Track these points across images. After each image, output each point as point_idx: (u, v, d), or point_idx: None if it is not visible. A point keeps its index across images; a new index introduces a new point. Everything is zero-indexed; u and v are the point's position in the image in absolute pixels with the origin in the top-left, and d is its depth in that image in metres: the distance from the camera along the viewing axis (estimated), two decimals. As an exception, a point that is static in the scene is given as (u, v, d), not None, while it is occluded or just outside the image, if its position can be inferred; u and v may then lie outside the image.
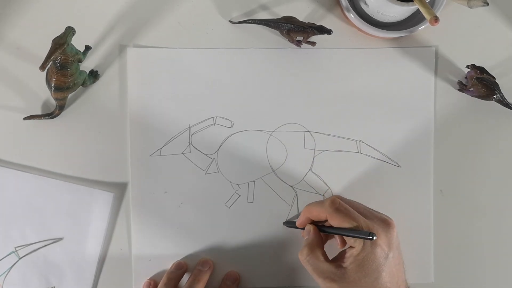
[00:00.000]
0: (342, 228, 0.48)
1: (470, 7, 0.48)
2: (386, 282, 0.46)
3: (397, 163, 0.56)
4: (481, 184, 0.57)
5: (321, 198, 0.56)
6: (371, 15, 0.54)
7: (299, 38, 0.54)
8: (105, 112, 0.55)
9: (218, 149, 0.55)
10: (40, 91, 0.55)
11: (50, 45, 0.48)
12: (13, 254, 0.54)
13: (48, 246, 0.54)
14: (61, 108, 0.54)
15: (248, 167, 0.55)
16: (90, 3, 0.55)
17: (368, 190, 0.55)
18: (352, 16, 0.53)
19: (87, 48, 0.54)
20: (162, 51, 0.55)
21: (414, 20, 0.55)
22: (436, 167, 0.56)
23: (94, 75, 0.54)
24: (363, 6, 0.54)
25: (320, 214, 0.50)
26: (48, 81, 0.51)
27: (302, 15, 0.55)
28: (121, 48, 0.55)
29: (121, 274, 0.55)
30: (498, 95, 0.54)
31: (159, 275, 0.55)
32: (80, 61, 0.52)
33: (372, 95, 0.56)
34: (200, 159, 0.55)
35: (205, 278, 0.53)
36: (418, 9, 0.48)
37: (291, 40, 0.54)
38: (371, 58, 0.56)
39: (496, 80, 0.54)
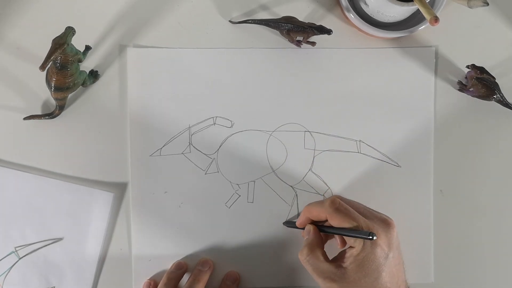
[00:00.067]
0: (342, 228, 0.48)
1: (470, 7, 0.48)
2: (386, 282, 0.46)
3: (397, 163, 0.56)
4: (481, 184, 0.57)
5: (321, 198, 0.56)
6: (371, 15, 0.54)
7: (299, 38, 0.54)
8: (105, 112, 0.55)
9: (218, 149, 0.55)
10: (40, 91, 0.55)
11: (50, 45, 0.48)
12: (13, 254, 0.54)
13: (48, 246, 0.54)
14: (61, 108, 0.54)
15: (248, 167, 0.55)
16: (90, 3, 0.55)
17: (368, 190, 0.55)
18: (352, 16, 0.53)
19: (87, 48, 0.54)
20: (162, 51, 0.55)
21: (414, 20, 0.55)
22: (436, 167, 0.56)
23: (94, 75, 0.54)
24: (363, 6, 0.54)
25: (320, 214, 0.50)
26: (48, 81, 0.51)
27: (302, 15, 0.55)
28: (121, 48, 0.55)
29: (121, 274, 0.55)
30: (498, 95, 0.54)
31: (159, 275, 0.55)
32: (80, 61, 0.52)
33: (372, 95, 0.56)
34: (200, 159, 0.55)
35: (205, 278, 0.53)
36: (418, 9, 0.48)
37: (291, 40, 0.54)
38: (371, 58, 0.56)
39: (496, 80, 0.54)
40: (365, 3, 0.53)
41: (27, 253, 0.54)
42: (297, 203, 0.56)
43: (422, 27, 0.53)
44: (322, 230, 0.50)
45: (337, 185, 0.56)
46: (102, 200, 0.55)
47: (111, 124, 0.55)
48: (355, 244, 0.47)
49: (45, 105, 0.55)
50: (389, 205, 0.54)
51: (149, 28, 0.55)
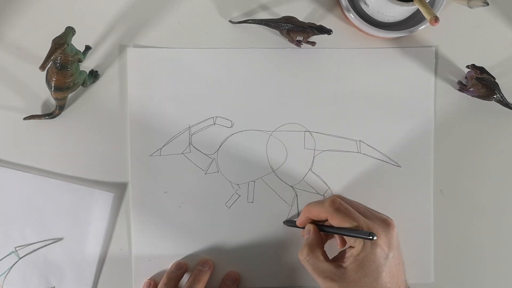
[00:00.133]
0: (342, 228, 0.48)
1: (470, 7, 0.48)
2: (386, 282, 0.46)
3: (397, 163, 0.56)
4: (481, 184, 0.57)
5: (321, 198, 0.56)
6: (371, 15, 0.54)
7: (299, 38, 0.54)
8: (105, 112, 0.55)
9: (218, 149, 0.55)
10: (40, 91, 0.55)
11: (50, 45, 0.48)
12: (13, 254, 0.54)
13: (48, 246, 0.54)
14: (61, 108, 0.54)
15: (248, 167, 0.55)
16: (90, 3, 0.55)
17: (368, 190, 0.55)
18: (352, 16, 0.53)
19: (87, 48, 0.54)
20: (162, 51, 0.55)
21: (414, 20, 0.55)
22: (436, 167, 0.56)
23: (94, 75, 0.54)
24: (363, 6, 0.54)
25: (320, 213, 0.50)
26: (48, 81, 0.51)
27: (302, 15, 0.55)
28: (121, 48, 0.55)
29: (121, 274, 0.55)
30: (498, 95, 0.54)
31: (159, 275, 0.55)
32: (80, 61, 0.52)
33: (372, 95, 0.56)
34: (200, 159, 0.55)
35: (205, 278, 0.53)
36: (418, 9, 0.48)
37: (291, 40, 0.54)
38: (371, 58, 0.56)
39: (496, 80, 0.54)
40: (365, 3, 0.53)
41: (27, 253, 0.54)
42: (297, 203, 0.56)
43: (422, 27, 0.53)
44: (322, 230, 0.50)
45: (337, 185, 0.56)
46: (102, 200, 0.55)
47: (111, 124, 0.55)
48: (355, 244, 0.47)
49: (45, 105, 0.55)
50: (389, 205, 0.54)
51: (149, 28, 0.55)
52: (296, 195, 0.56)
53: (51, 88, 0.51)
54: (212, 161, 0.55)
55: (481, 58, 0.55)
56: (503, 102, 0.55)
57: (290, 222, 0.55)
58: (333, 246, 0.51)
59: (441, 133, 0.56)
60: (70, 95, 0.53)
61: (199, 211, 0.55)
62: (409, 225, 0.55)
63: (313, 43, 0.55)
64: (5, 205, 0.54)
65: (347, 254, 0.48)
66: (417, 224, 0.56)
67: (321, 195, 0.56)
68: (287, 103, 0.56)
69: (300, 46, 0.55)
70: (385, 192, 0.56)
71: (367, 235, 0.45)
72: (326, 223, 0.51)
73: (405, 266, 0.50)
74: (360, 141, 0.56)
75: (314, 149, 0.56)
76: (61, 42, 0.48)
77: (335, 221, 0.48)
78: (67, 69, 0.50)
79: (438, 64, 0.56)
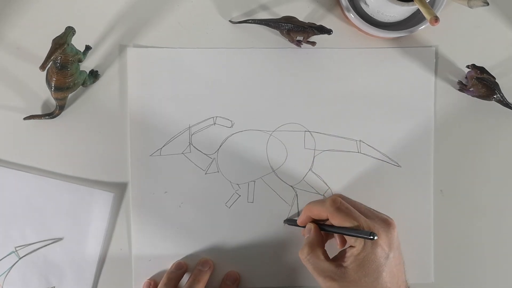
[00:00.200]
0: (343, 227, 0.48)
1: (470, 7, 0.48)
2: (387, 282, 0.46)
3: (397, 163, 0.56)
4: (481, 184, 0.57)
5: (321, 198, 0.56)
6: (371, 15, 0.54)
7: (299, 38, 0.54)
8: (105, 112, 0.55)
9: (218, 149, 0.55)
10: (40, 91, 0.55)
11: (50, 45, 0.48)
12: (13, 254, 0.54)
13: (48, 246, 0.54)
14: (61, 108, 0.54)
15: (248, 167, 0.55)
16: (90, 3, 0.55)
17: (368, 190, 0.55)
18: (352, 16, 0.53)
19: (87, 48, 0.54)
20: (162, 51, 0.55)
21: (414, 20, 0.55)
22: (436, 167, 0.56)
23: (94, 75, 0.54)
24: (363, 6, 0.54)
25: (321, 213, 0.50)
26: (48, 81, 0.51)
27: (302, 15, 0.55)
28: (121, 48, 0.55)
29: (121, 274, 0.55)
30: (498, 95, 0.54)
31: (159, 275, 0.55)
32: (80, 61, 0.52)
33: (372, 95, 0.56)
34: (200, 159, 0.55)
35: (205, 278, 0.53)
36: (418, 9, 0.48)
37: (291, 40, 0.54)
38: (371, 58, 0.56)
39: (496, 80, 0.54)
40: (365, 3, 0.53)
41: (27, 253, 0.54)
42: (297, 203, 0.56)
43: (422, 27, 0.53)
44: (323, 229, 0.50)
45: (337, 185, 0.56)
46: (102, 200, 0.55)
47: (111, 124, 0.55)
48: (356, 244, 0.47)
49: (45, 105, 0.55)
50: (389, 205, 0.54)
51: (149, 28, 0.55)
52: (296, 195, 0.56)
53: (51, 88, 0.51)
54: (212, 161, 0.55)
55: (481, 58, 0.55)
56: (503, 102, 0.55)
57: (290, 221, 0.55)
58: (333, 246, 0.51)
59: (441, 133, 0.56)
60: (70, 95, 0.53)
61: (199, 211, 0.55)
62: (409, 225, 0.55)
63: (313, 43, 0.55)
64: (5, 205, 0.54)
65: (348, 254, 0.48)
66: (417, 224, 0.56)
67: (321, 195, 0.56)
68: (287, 103, 0.56)
69: (300, 46, 0.55)
70: (385, 192, 0.56)
71: (367, 234, 0.45)
72: (327, 223, 0.50)
73: (405, 266, 0.49)
74: (360, 141, 0.56)
75: (314, 149, 0.56)
76: (61, 42, 0.48)
77: (336, 220, 0.48)
78: (67, 69, 0.50)
79: (438, 64, 0.56)
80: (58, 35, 0.48)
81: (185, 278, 0.54)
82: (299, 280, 0.56)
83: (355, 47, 0.56)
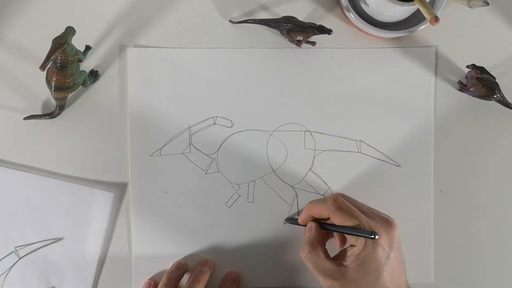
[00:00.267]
0: (344, 226, 0.48)
1: (470, 7, 0.48)
2: (387, 282, 0.46)
3: (397, 163, 0.56)
4: (481, 184, 0.57)
5: (322, 197, 0.56)
6: (371, 15, 0.54)
7: (299, 38, 0.54)
8: (105, 112, 0.55)
9: (218, 149, 0.55)
10: (40, 91, 0.55)
11: (50, 45, 0.48)
12: (13, 254, 0.54)
13: (48, 246, 0.54)
14: (61, 108, 0.54)
15: (248, 167, 0.55)
16: (90, 3, 0.55)
17: (368, 190, 0.55)
18: (352, 16, 0.53)
19: (87, 48, 0.54)
20: (162, 51, 0.55)
21: (414, 20, 0.55)
22: (436, 167, 0.56)
23: (94, 75, 0.54)
24: (363, 6, 0.54)
25: (322, 212, 0.50)
26: (48, 81, 0.51)
27: (302, 15, 0.55)
28: (121, 48, 0.55)
29: (121, 274, 0.55)
30: (498, 95, 0.54)
31: (159, 275, 0.55)
32: (80, 61, 0.52)
33: (372, 95, 0.56)
34: (200, 159, 0.55)
35: (205, 278, 0.53)
36: (418, 9, 0.48)
37: (291, 40, 0.54)
38: (371, 58, 0.56)
39: (496, 80, 0.54)
40: (365, 3, 0.53)
41: (27, 253, 0.54)
42: (297, 203, 0.56)
43: (422, 27, 0.53)
44: (324, 228, 0.50)
45: (337, 185, 0.56)
46: (102, 200, 0.55)
47: (111, 124, 0.55)
48: (357, 243, 0.47)
49: (45, 105, 0.55)
50: (389, 205, 0.54)
51: (149, 28, 0.55)
52: (296, 195, 0.56)
53: (51, 88, 0.51)
54: (212, 161, 0.55)
55: (481, 58, 0.55)
56: (503, 102, 0.55)
57: (291, 220, 0.55)
58: (333, 245, 0.51)
59: (441, 133, 0.56)
60: (70, 95, 0.53)
61: (199, 211, 0.55)
62: (409, 225, 0.55)
63: (313, 43, 0.55)
64: (5, 205, 0.54)
65: (348, 253, 0.48)
66: (417, 224, 0.56)
67: (321, 195, 0.56)
68: (287, 103, 0.56)
69: (300, 46, 0.55)
70: (385, 192, 0.56)
71: (369, 234, 0.45)
72: (328, 222, 0.50)
73: (405, 266, 0.49)
74: (360, 141, 0.56)
75: (314, 149, 0.56)
76: (61, 42, 0.48)
77: (337, 219, 0.48)
78: (67, 69, 0.50)
79: (438, 64, 0.56)
80: (58, 35, 0.48)
81: (185, 278, 0.54)
82: (299, 280, 0.56)
83: (355, 47, 0.56)
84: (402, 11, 0.52)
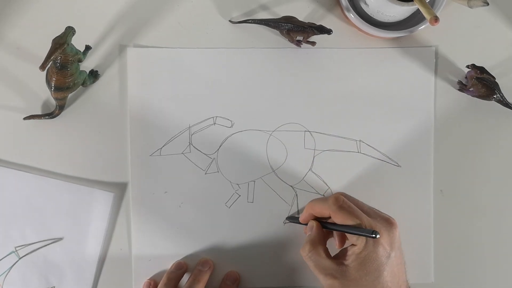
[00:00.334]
0: (345, 225, 0.48)
1: (470, 7, 0.48)
2: (387, 282, 0.46)
3: (397, 163, 0.56)
4: (481, 184, 0.57)
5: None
6: (371, 15, 0.54)
7: (299, 38, 0.54)
8: (105, 112, 0.55)
9: (218, 149, 0.55)
10: (40, 91, 0.55)
11: (50, 45, 0.48)
12: (13, 254, 0.54)
13: (48, 246, 0.54)
14: (61, 108, 0.54)
15: (248, 167, 0.55)
16: (90, 3, 0.55)
17: (368, 190, 0.55)
18: (352, 16, 0.53)
19: (87, 48, 0.54)
20: (162, 51, 0.55)
21: (414, 20, 0.55)
22: (436, 167, 0.56)
23: (94, 75, 0.54)
24: (363, 6, 0.54)
25: (323, 210, 0.50)
26: (48, 81, 0.51)
27: (302, 15, 0.55)
28: (121, 48, 0.55)
29: (121, 274, 0.55)
30: (498, 95, 0.54)
31: (159, 275, 0.55)
32: (80, 61, 0.52)
33: (372, 95, 0.56)
34: (200, 159, 0.55)
35: (205, 278, 0.53)
36: (418, 9, 0.48)
37: (291, 40, 0.54)
38: (371, 58, 0.56)
39: (496, 80, 0.54)
40: (365, 3, 0.53)
41: (27, 253, 0.54)
42: (297, 203, 0.56)
43: (422, 27, 0.53)
44: (325, 227, 0.50)
45: (337, 185, 0.56)
46: (102, 200, 0.55)
47: (111, 124, 0.55)
48: (358, 242, 0.47)
49: (45, 105, 0.55)
50: (389, 205, 0.54)
51: (149, 28, 0.55)
52: (296, 195, 0.56)
53: (51, 88, 0.51)
54: (212, 161, 0.55)
55: (481, 58, 0.55)
56: (503, 102, 0.55)
57: (292, 219, 0.55)
58: (334, 245, 0.51)
59: (441, 133, 0.56)
60: (70, 95, 0.53)
61: (199, 211, 0.55)
62: (409, 225, 0.55)
63: (313, 43, 0.55)
64: (5, 205, 0.54)
65: (349, 252, 0.48)
66: (417, 224, 0.56)
67: (321, 195, 0.56)
68: (287, 103, 0.56)
69: (300, 46, 0.55)
70: (385, 192, 0.56)
71: (370, 233, 0.45)
72: (329, 221, 0.50)
73: (406, 266, 0.49)
74: (360, 141, 0.56)
75: (314, 149, 0.56)
76: (61, 42, 0.48)
77: (338, 218, 0.48)
78: (67, 69, 0.50)
79: (438, 64, 0.56)
80: (58, 35, 0.48)
81: (185, 278, 0.54)
82: (299, 280, 0.56)
83: (355, 47, 0.56)
84: (402, 11, 0.52)
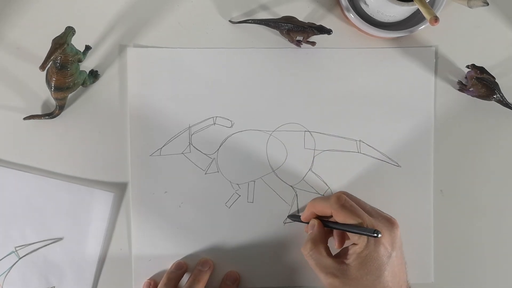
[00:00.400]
0: (346, 224, 0.48)
1: (470, 7, 0.48)
2: (388, 281, 0.46)
3: (397, 163, 0.56)
4: (481, 184, 0.57)
5: (322, 197, 0.56)
6: (371, 15, 0.54)
7: (299, 38, 0.54)
8: (105, 112, 0.55)
9: (218, 149, 0.55)
10: (40, 91, 0.55)
11: (50, 45, 0.48)
12: (13, 254, 0.54)
13: (48, 246, 0.54)
14: (61, 108, 0.54)
15: (248, 167, 0.55)
16: (90, 3, 0.55)
17: (368, 190, 0.55)
18: (352, 16, 0.53)
19: (87, 48, 0.54)
20: (162, 51, 0.55)
21: (414, 20, 0.55)
22: (436, 167, 0.56)
23: (94, 75, 0.54)
24: (363, 6, 0.54)
25: (325, 209, 0.50)
26: (48, 81, 0.51)
27: (302, 15, 0.55)
28: (121, 48, 0.55)
29: (121, 274, 0.55)
30: (498, 95, 0.54)
31: (159, 275, 0.55)
32: (80, 61, 0.52)
33: (372, 95, 0.56)
34: (200, 159, 0.55)
35: (205, 278, 0.53)
36: (418, 9, 0.48)
37: (291, 40, 0.54)
38: (371, 58, 0.56)
39: (496, 80, 0.54)
40: (365, 3, 0.53)
41: (27, 253, 0.54)
42: (297, 203, 0.56)
43: (422, 27, 0.53)
44: (327, 226, 0.50)
45: (337, 185, 0.56)
46: (102, 200, 0.55)
47: (111, 124, 0.55)
48: (359, 241, 0.47)
49: (45, 105, 0.55)
50: (389, 205, 0.54)
51: (149, 28, 0.55)
52: (296, 195, 0.56)
53: (51, 88, 0.51)
54: (212, 161, 0.55)
55: (481, 58, 0.55)
56: (503, 102, 0.55)
57: (294, 217, 0.55)
58: (334, 244, 0.51)
59: (441, 133, 0.56)
60: (70, 95, 0.53)
61: (199, 211, 0.55)
62: (409, 225, 0.55)
63: (313, 43, 0.55)
64: (5, 205, 0.54)
65: (350, 251, 0.48)
66: (417, 224, 0.56)
67: (321, 195, 0.56)
68: (287, 103, 0.56)
69: (300, 46, 0.55)
70: (385, 192, 0.56)
71: (371, 232, 0.45)
72: (330, 219, 0.50)
73: (406, 266, 0.49)
74: (360, 141, 0.56)
75: (314, 149, 0.56)
76: (61, 42, 0.48)
77: (340, 217, 0.48)
78: (67, 69, 0.50)
79: (438, 64, 0.56)
80: (58, 35, 0.48)
81: (185, 278, 0.54)
82: (299, 280, 0.56)
83: (355, 47, 0.56)
84: (402, 11, 0.52)
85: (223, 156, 0.55)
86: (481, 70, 0.53)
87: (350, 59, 0.56)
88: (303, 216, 0.53)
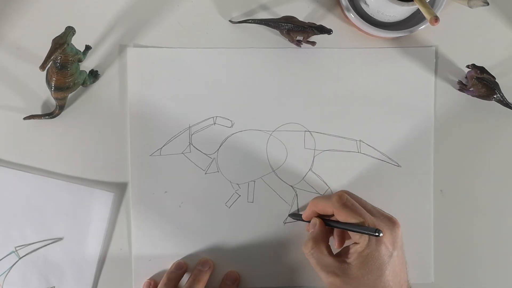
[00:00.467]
0: (348, 223, 0.47)
1: (470, 7, 0.48)
2: (389, 281, 0.46)
3: (397, 163, 0.56)
4: (481, 184, 0.57)
5: (323, 197, 0.56)
6: (371, 15, 0.54)
7: (299, 38, 0.54)
8: (105, 112, 0.55)
9: (218, 149, 0.55)
10: (40, 91, 0.55)
11: (50, 45, 0.48)
12: (13, 254, 0.54)
13: (48, 246, 0.54)
14: (61, 108, 0.54)
15: (248, 167, 0.55)
16: (90, 3, 0.55)
17: (368, 190, 0.55)
18: (352, 16, 0.53)
19: (87, 48, 0.54)
20: (162, 51, 0.55)
21: (414, 20, 0.55)
22: (436, 167, 0.56)
23: (94, 75, 0.54)
24: (363, 6, 0.54)
25: (326, 208, 0.50)
26: (48, 81, 0.51)
27: (302, 15, 0.55)
28: (121, 48, 0.55)
29: (121, 274, 0.55)
30: (498, 94, 0.54)
31: (159, 275, 0.55)
32: (80, 61, 0.52)
33: (372, 95, 0.56)
34: (200, 159, 0.55)
35: (205, 278, 0.53)
36: (418, 9, 0.48)
37: (291, 40, 0.54)
38: (371, 58, 0.56)
39: (496, 80, 0.54)
40: (365, 3, 0.53)
41: (27, 253, 0.54)
42: (297, 203, 0.56)
43: (422, 27, 0.53)
44: (328, 224, 0.50)
45: (337, 185, 0.56)
46: (102, 200, 0.55)
47: (111, 124, 0.55)
48: (360, 240, 0.47)
49: (45, 105, 0.55)
50: (389, 205, 0.54)
51: (149, 28, 0.55)
52: (296, 194, 0.56)
53: (51, 88, 0.51)
54: (212, 161, 0.55)
55: (481, 58, 0.55)
56: (503, 102, 0.55)
57: (295, 216, 0.55)
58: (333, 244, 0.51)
59: (441, 133, 0.56)
60: (70, 95, 0.53)
61: (199, 211, 0.55)
62: (409, 225, 0.55)
63: (313, 43, 0.55)
64: (5, 205, 0.54)
65: (351, 250, 0.48)
66: (417, 224, 0.56)
67: (321, 195, 0.56)
68: (287, 103, 0.56)
69: (300, 46, 0.55)
70: (385, 192, 0.56)
71: (373, 231, 0.45)
72: (332, 218, 0.50)
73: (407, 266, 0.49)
74: (360, 141, 0.56)
75: (314, 149, 0.56)
76: (61, 42, 0.48)
77: (342, 216, 0.48)
78: (67, 69, 0.50)
79: (438, 64, 0.56)
80: (58, 35, 0.48)
81: (185, 278, 0.54)
82: (299, 280, 0.56)
83: (355, 47, 0.56)
84: (402, 11, 0.52)
85: (223, 156, 0.55)
86: (481, 70, 0.53)
87: (350, 59, 0.56)
88: (304, 214, 0.53)
